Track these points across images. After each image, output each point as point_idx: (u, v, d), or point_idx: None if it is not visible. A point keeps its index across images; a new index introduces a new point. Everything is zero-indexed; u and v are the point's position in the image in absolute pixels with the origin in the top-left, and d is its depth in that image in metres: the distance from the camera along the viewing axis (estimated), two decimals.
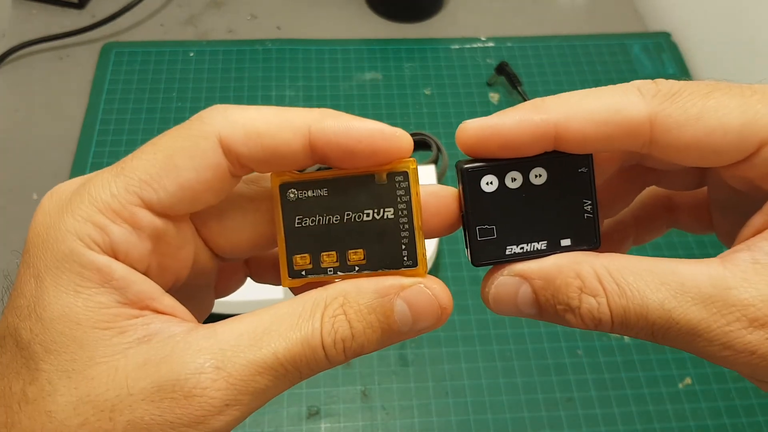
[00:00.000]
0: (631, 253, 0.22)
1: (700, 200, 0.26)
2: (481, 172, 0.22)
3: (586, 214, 0.22)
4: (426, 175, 0.54)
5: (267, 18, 0.74)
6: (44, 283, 0.19)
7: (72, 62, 0.69)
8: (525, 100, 0.66)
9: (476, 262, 0.22)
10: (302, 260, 0.22)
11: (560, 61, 0.71)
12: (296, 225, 0.21)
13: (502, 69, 0.67)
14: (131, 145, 0.62)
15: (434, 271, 0.55)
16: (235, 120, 0.20)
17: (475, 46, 0.72)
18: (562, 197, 0.22)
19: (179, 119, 0.64)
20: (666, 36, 0.74)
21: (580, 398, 0.49)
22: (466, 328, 0.52)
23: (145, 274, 0.20)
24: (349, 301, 0.20)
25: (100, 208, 0.19)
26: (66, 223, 0.19)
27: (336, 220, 0.21)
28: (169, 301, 0.20)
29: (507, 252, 0.22)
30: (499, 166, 0.22)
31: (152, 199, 0.19)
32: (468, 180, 0.22)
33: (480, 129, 0.21)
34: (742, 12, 0.67)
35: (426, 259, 0.22)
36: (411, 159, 0.21)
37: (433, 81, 0.68)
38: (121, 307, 0.19)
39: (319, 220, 0.21)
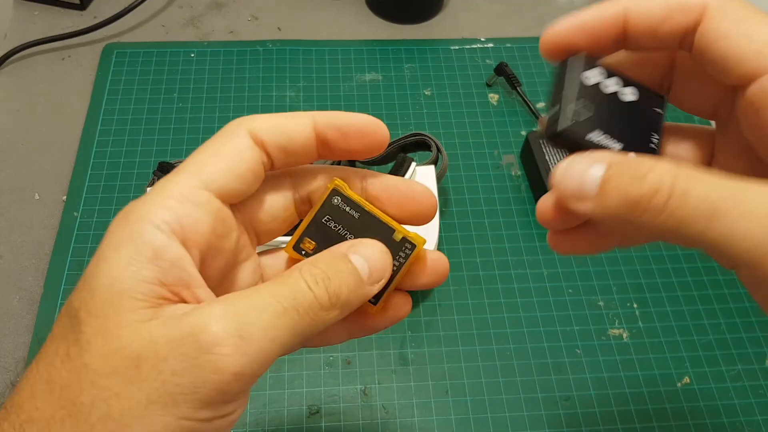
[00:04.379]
0: None
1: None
2: (593, 62, 0.24)
3: (651, 145, 0.24)
4: (426, 175, 0.54)
5: (268, 19, 0.75)
6: (105, 257, 0.22)
7: (74, 63, 0.69)
8: (524, 101, 0.66)
9: (561, 128, 0.23)
10: (308, 244, 0.27)
11: None
12: (322, 220, 0.26)
13: (501, 70, 0.67)
14: (133, 145, 0.62)
15: None
16: (259, 118, 0.25)
17: (474, 46, 0.72)
18: (639, 122, 0.24)
19: (180, 119, 0.64)
20: None
21: (579, 397, 0.50)
22: (466, 328, 0.53)
23: (201, 259, 0.24)
24: (316, 259, 0.24)
25: (169, 194, 0.23)
26: (139, 210, 0.23)
27: (349, 236, 0.26)
28: (203, 294, 0.23)
29: (586, 137, 0.23)
30: (607, 68, 0.24)
31: (208, 180, 0.24)
32: (578, 65, 0.24)
33: (565, 27, 0.24)
34: None
35: (385, 302, 0.27)
36: (422, 239, 0.26)
37: (432, 82, 0.69)
38: (160, 287, 0.22)
39: (340, 228, 0.26)
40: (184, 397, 0.20)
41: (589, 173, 0.21)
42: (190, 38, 0.72)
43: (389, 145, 0.56)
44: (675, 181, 0.19)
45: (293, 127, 0.25)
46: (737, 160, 0.25)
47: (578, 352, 0.52)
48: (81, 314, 0.21)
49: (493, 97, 0.68)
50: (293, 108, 0.66)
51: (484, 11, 0.77)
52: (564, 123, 0.23)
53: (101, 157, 0.61)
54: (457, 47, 0.72)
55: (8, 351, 0.51)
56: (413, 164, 0.53)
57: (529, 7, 0.77)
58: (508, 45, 0.72)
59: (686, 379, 0.51)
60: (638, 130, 0.24)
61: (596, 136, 0.23)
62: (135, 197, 0.66)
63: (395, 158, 0.55)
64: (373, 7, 0.75)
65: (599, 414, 0.49)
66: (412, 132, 0.56)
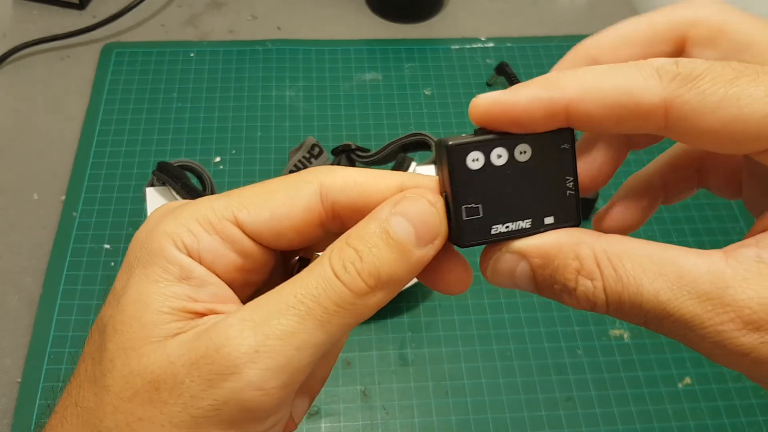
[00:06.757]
0: (638, 235, 0.21)
1: (733, 164, 0.25)
2: (466, 149, 0.21)
3: (568, 191, 0.22)
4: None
5: (267, 18, 0.74)
6: (134, 273, 0.21)
7: (73, 62, 0.69)
8: None
9: (463, 243, 0.21)
10: None
11: None
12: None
13: (501, 69, 0.67)
14: (132, 145, 0.62)
15: None
16: (337, 172, 0.22)
17: (475, 46, 0.72)
18: (546, 174, 0.21)
19: (180, 119, 0.64)
20: None
21: (580, 398, 0.49)
22: (466, 328, 0.52)
23: (229, 285, 0.22)
24: (350, 233, 0.21)
25: (198, 218, 0.21)
26: (165, 226, 0.21)
27: None
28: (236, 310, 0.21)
29: (492, 231, 0.21)
30: (485, 142, 0.21)
31: (245, 220, 0.21)
32: (454, 157, 0.21)
33: (491, 104, 0.20)
34: None
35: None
36: None
37: (433, 81, 0.69)
38: (190, 303, 0.21)
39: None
40: (207, 420, 0.19)
41: (517, 274, 0.21)
42: (189, 38, 0.72)
43: (389, 145, 0.56)
44: (595, 254, 0.20)
45: (373, 188, 0.22)
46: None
47: (579, 352, 0.52)
48: (108, 330, 0.21)
49: None
50: (293, 108, 0.66)
51: (484, 10, 0.77)
52: (462, 236, 0.21)
53: (100, 156, 0.61)
54: (457, 47, 0.72)
55: (7, 351, 0.50)
56: (413, 164, 0.53)
57: (529, 6, 0.77)
58: (509, 44, 0.72)
59: (687, 380, 0.51)
60: (546, 187, 0.21)
61: (497, 229, 0.21)
62: (134, 197, 0.65)
63: (395, 158, 0.55)
64: (373, 6, 0.75)
65: (600, 415, 0.49)
66: (412, 132, 0.56)
